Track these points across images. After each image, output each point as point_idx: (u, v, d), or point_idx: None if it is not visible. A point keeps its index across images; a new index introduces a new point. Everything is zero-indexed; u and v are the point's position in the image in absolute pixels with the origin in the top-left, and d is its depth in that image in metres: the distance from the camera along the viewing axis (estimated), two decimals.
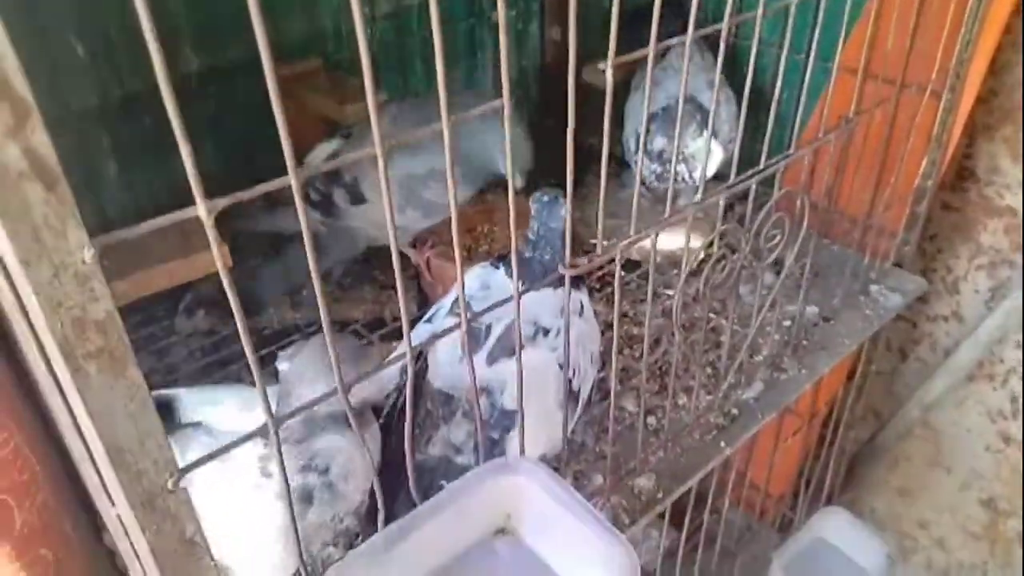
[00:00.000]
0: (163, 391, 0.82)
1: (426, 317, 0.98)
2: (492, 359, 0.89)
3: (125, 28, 1.28)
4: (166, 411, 0.80)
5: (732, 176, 0.87)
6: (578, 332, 0.96)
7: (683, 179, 1.38)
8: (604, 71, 0.67)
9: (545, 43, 1.83)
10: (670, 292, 1.40)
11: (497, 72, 1.79)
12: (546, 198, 0.94)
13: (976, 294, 1.75)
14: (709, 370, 1.24)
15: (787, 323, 1.32)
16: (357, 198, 1.19)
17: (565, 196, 0.85)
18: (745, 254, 0.92)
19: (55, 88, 1.24)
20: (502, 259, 1.00)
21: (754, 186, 0.88)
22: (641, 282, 1.41)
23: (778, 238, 0.95)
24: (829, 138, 0.98)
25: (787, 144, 1.54)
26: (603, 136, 0.72)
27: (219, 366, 1.25)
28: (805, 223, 0.97)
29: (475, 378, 0.75)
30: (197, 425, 0.81)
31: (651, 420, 1.17)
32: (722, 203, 0.87)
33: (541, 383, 0.91)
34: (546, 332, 0.92)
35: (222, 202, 0.46)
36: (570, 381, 0.94)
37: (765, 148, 0.91)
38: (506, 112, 0.60)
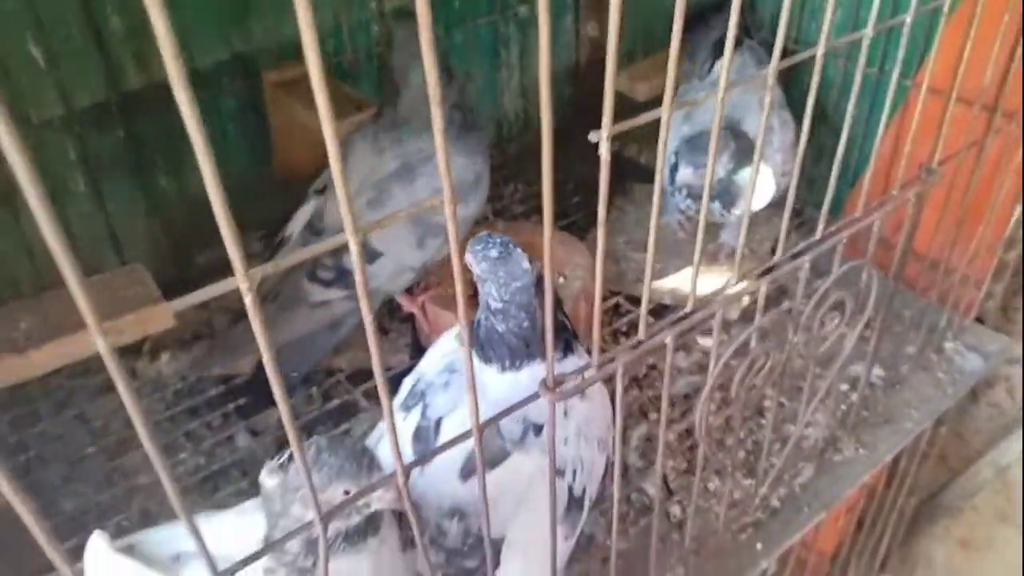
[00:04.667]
0: (122, 541, 0.67)
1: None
2: (466, 473, 0.72)
3: (92, 31, 1.13)
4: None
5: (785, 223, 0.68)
6: (579, 418, 0.78)
7: (720, 214, 1.18)
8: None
9: (580, 40, 1.64)
10: (705, 343, 1.21)
11: (525, 73, 1.60)
12: (494, 252, 0.70)
13: None
14: (749, 445, 1.06)
15: (844, 387, 1.12)
16: (371, 255, 1.03)
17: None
18: (793, 345, 0.73)
19: (11, 100, 1.10)
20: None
21: (807, 265, 0.69)
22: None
23: (837, 321, 0.76)
24: (908, 196, 0.77)
25: (851, 175, 1.34)
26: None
27: (189, 414, 1.11)
28: (872, 299, 0.78)
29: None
30: (176, 558, 0.67)
31: (675, 510, 0.99)
32: (762, 289, 0.68)
33: (531, 497, 0.73)
34: (539, 430, 0.74)
35: (259, 271, 0.37)
36: (570, 488, 0.77)
37: (826, 207, 0.71)
38: (447, 211, 0.43)
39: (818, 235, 0.70)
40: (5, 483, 0.35)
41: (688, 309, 0.62)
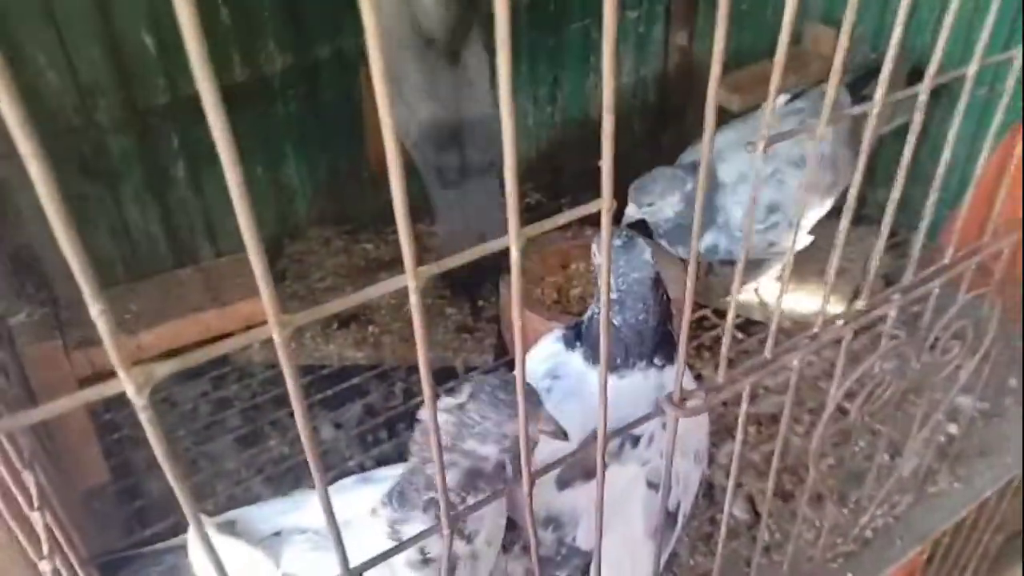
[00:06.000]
0: (220, 517, 0.69)
1: None
2: (563, 482, 0.71)
3: (203, 22, 1.15)
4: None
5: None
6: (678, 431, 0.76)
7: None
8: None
9: (668, 48, 1.61)
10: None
11: None
12: (618, 240, 0.70)
13: None
14: (842, 473, 1.03)
15: (938, 416, 1.08)
16: None
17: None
18: (917, 366, 0.70)
19: (120, 85, 1.13)
20: (578, 333, 0.77)
21: (936, 291, 0.66)
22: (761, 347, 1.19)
23: (956, 350, 0.73)
24: None
25: (950, 197, 1.29)
26: None
27: (274, 403, 1.12)
28: (991, 335, 0.75)
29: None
30: (277, 534, 0.68)
31: (763, 534, 0.96)
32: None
33: (625, 511, 0.72)
34: (636, 441, 0.73)
35: (427, 270, 0.37)
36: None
37: (955, 236, 0.68)
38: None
39: (947, 259, 0.67)
40: (158, 449, 0.36)
41: (816, 330, 0.60)
